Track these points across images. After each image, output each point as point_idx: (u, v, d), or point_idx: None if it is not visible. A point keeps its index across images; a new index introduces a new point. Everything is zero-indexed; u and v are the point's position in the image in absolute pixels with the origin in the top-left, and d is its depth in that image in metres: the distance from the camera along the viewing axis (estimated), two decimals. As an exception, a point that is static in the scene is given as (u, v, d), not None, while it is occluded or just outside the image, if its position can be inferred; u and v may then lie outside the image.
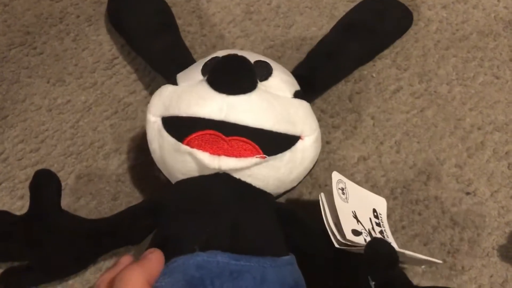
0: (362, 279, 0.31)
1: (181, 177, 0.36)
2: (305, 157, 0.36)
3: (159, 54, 0.45)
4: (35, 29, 0.52)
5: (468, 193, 0.43)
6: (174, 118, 0.35)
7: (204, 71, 0.37)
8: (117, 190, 0.43)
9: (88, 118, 0.47)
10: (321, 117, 0.47)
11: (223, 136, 0.33)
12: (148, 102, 0.47)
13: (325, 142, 0.45)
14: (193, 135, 0.34)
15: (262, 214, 0.34)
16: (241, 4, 0.53)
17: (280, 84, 0.37)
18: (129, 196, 0.43)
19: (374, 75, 0.49)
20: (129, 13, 0.48)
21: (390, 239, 0.37)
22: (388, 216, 0.40)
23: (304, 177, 0.38)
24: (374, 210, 0.38)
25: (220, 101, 0.34)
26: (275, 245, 0.33)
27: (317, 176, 0.44)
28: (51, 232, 0.35)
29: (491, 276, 0.40)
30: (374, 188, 0.43)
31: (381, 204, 0.40)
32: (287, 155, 0.35)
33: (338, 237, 0.33)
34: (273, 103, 0.35)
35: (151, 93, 0.48)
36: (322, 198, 0.35)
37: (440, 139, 0.45)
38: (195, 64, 0.40)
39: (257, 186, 0.35)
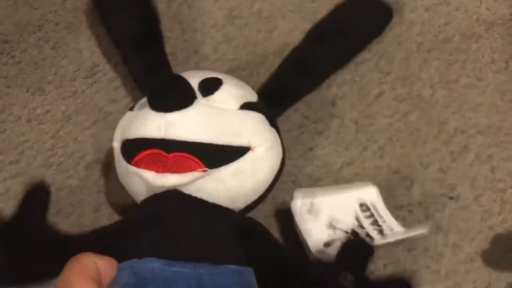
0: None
1: (140, 197, 0.37)
2: (258, 168, 0.36)
3: (140, 72, 0.45)
4: (14, 37, 0.51)
5: (451, 198, 0.43)
6: (126, 142, 0.37)
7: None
8: (99, 201, 0.43)
9: (69, 128, 0.46)
10: (304, 123, 0.46)
11: (165, 154, 0.34)
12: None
13: (308, 149, 0.45)
14: (138, 156, 0.35)
15: (212, 227, 0.34)
16: (223, 9, 0.53)
17: (226, 98, 0.37)
18: (111, 207, 0.42)
19: (357, 79, 0.49)
20: (115, 18, 0.47)
21: (390, 224, 0.37)
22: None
23: (269, 188, 0.38)
24: (361, 204, 0.38)
25: (158, 119, 0.35)
26: (220, 254, 0.32)
27: (300, 183, 0.44)
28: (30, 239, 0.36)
29: (475, 281, 0.40)
30: (358, 194, 0.43)
31: (369, 194, 0.39)
32: (232, 166, 0.35)
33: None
34: (213, 116, 0.35)
35: (132, 101, 0.48)
36: (295, 208, 0.35)
37: (424, 143, 0.45)
38: None
39: (210, 201, 0.35)
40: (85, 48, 0.51)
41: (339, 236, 0.34)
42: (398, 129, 0.46)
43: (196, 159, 0.34)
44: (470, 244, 0.41)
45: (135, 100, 0.47)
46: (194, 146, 0.34)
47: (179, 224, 0.33)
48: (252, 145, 0.36)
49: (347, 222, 0.36)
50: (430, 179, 0.44)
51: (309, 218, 0.35)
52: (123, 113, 0.46)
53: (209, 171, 0.34)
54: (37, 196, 0.39)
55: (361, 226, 0.37)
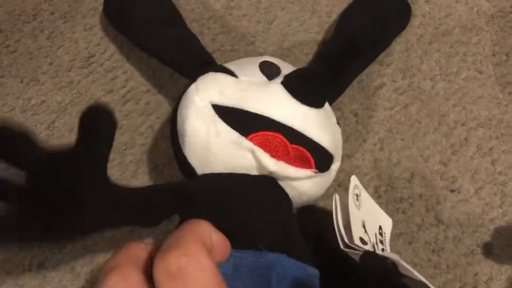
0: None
1: (220, 170, 0.33)
2: (327, 182, 0.37)
3: (173, 44, 0.42)
4: (7, 26, 0.50)
5: (452, 190, 0.42)
6: (235, 110, 0.33)
7: (267, 73, 0.36)
8: (95, 193, 0.42)
9: (64, 118, 0.45)
10: (303, 114, 0.46)
11: (287, 142, 0.33)
12: (126, 101, 0.47)
13: (308, 141, 0.45)
14: (258, 134, 0.33)
15: (293, 224, 0.34)
16: (221, 0, 0.52)
17: (329, 108, 0.38)
18: (107, 199, 0.42)
19: (357, 71, 0.48)
20: (134, 8, 0.45)
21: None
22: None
23: None
24: (380, 227, 0.38)
25: (296, 108, 0.34)
26: (301, 251, 0.32)
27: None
28: (86, 180, 0.29)
29: (476, 274, 0.40)
30: (358, 186, 0.43)
31: (387, 223, 0.39)
32: (327, 175, 0.36)
33: (345, 239, 0.33)
34: (330, 123, 0.36)
35: (129, 91, 0.47)
36: (336, 199, 0.35)
37: (424, 135, 0.45)
38: (242, 60, 0.39)
39: (292, 198, 0.35)
40: (81, 38, 0.50)
41: (367, 240, 0.34)
42: (398, 121, 0.46)
43: (311, 159, 0.34)
44: (471, 237, 0.41)
45: (132, 90, 0.47)
46: (315, 146, 0.34)
47: (271, 216, 0.32)
48: (335, 158, 0.36)
49: (372, 234, 0.36)
50: (430, 172, 0.43)
51: (356, 203, 0.35)
52: (120, 103, 0.46)
53: (318, 173, 0.34)
54: (98, 120, 0.28)
55: (377, 246, 0.36)
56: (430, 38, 0.50)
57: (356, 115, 0.46)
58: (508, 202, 0.42)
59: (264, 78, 0.36)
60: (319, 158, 0.34)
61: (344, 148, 0.44)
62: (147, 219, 0.33)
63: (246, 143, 0.32)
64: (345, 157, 0.44)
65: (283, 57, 0.48)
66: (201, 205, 0.32)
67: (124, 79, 0.47)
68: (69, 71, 0.48)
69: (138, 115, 0.46)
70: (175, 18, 0.46)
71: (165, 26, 0.43)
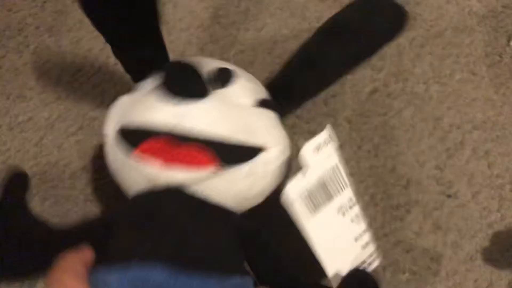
0: None
1: (136, 191, 0.34)
2: (268, 170, 0.34)
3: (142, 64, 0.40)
4: (-8, 42, 0.49)
5: (449, 196, 0.42)
6: (127, 129, 0.33)
7: (156, 79, 0.35)
8: (86, 211, 0.41)
9: (52, 135, 0.45)
10: (296, 123, 0.45)
11: (177, 141, 0.31)
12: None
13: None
14: (146, 143, 0.31)
15: (216, 231, 0.32)
16: (209, 8, 0.51)
17: (241, 92, 0.35)
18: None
19: (348, 77, 0.47)
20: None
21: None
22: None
23: (271, 192, 0.36)
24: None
25: (174, 106, 0.32)
26: (226, 264, 0.31)
27: (294, 186, 0.42)
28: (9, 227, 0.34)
29: (476, 281, 0.39)
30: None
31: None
32: (247, 167, 0.33)
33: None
34: (231, 111, 0.33)
35: (118, 105, 0.46)
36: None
37: (419, 140, 0.44)
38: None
39: (215, 202, 0.33)
40: (68, 52, 0.49)
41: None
42: (392, 126, 0.45)
43: (210, 154, 0.31)
44: (469, 242, 0.40)
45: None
46: (210, 140, 0.31)
47: (179, 228, 0.31)
48: (266, 145, 0.33)
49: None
50: (427, 177, 0.43)
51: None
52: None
53: (222, 169, 0.31)
54: (15, 184, 0.37)
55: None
56: (422, 40, 0.49)
57: (349, 122, 0.45)
58: (506, 206, 0.41)
59: (152, 86, 0.34)
60: (223, 151, 0.31)
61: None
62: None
63: (131, 158, 0.32)
64: (340, 165, 0.43)
65: (274, 65, 0.47)
66: (117, 233, 0.32)
67: (113, 93, 0.47)
68: (56, 86, 0.47)
69: (127, 129, 0.45)
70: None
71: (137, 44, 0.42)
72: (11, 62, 0.48)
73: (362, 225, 0.35)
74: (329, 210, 0.34)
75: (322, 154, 0.34)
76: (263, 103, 0.35)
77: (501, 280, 0.39)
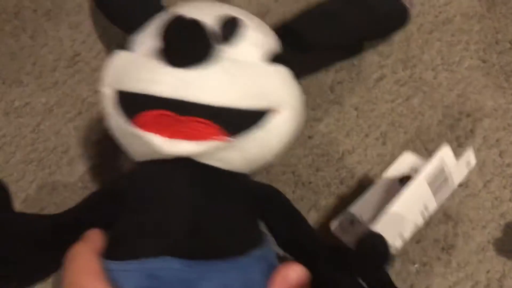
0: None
1: (141, 158, 0.32)
2: (281, 132, 0.32)
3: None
4: (-12, 26, 0.48)
5: (460, 185, 0.40)
6: (124, 94, 0.30)
7: (159, 35, 0.31)
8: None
9: (50, 121, 0.43)
10: (301, 110, 0.44)
11: (179, 116, 0.29)
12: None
13: (307, 137, 0.43)
14: (143, 115, 0.29)
15: (231, 200, 0.30)
16: (212, -7, 0.50)
17: (250, 48, 0.32)
18: (98, 205, 0.39)
19: (355, 63, 0.46)
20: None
21: None
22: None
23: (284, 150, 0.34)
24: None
25: (174, 76, 0.29)
26: (244, 237, 0.29)
27: (300, 174, 0.41)
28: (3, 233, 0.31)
29: (488, 272, 0.38)
30: (360, 183, 0.41)
31: None
32: (257, 133, 0.30)
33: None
34: (238, 74, 0.30)
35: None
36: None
37: (428, 128, 0.43)
38: (153, 21, 0.34)
39: (224, 168, 0.31)
40: (66, 36, 0.47)
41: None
42: (400, 114, 0.44)
43: (216, 126, 0.29)
44: (481, 233, 0.39)
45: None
46: (216, 111, 0.29)
47: (195, 204, 0.29)
48: (278, 108, 0.31)
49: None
50: (436, 166, 0.41)
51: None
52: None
53: (232, 139, 0.29)
54: None
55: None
56: (430, 27, 0.48)
57: (356, 109, 0.44)
58: (518, 195, 0.40)
59: (155, 44, 0.31)
60: (229, 121, 0.29)
61: (344, 143, 0.42)
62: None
63: (130, 129, 0.30)
64: (347, 152, 0.42)
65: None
66: (126, 209, 0.30)
67: (112, 78, 0.45)
68: (54, 71, 0.46)
69: (127, 115, 0.43)
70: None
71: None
72: (7, 47, 0.47)
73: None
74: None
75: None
76: (275, 59, 0.33)
77: (514, 271, 0.38)
